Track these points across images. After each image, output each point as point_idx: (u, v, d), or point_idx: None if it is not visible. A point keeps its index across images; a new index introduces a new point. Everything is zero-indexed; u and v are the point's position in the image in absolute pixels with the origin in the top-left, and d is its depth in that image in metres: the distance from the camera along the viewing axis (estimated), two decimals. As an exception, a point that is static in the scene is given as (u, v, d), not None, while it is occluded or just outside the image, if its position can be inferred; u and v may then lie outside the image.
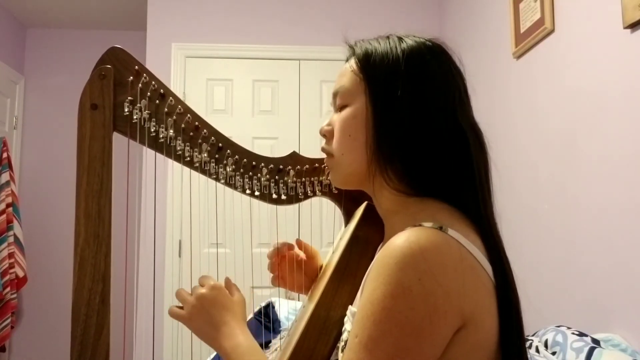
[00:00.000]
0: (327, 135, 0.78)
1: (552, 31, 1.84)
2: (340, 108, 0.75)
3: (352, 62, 0.75)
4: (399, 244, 0.59)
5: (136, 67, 0.81)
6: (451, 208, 0.67)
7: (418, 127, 0.68)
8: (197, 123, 0.84)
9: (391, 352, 0.57)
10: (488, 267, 0.63)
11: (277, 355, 0.82)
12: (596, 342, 1.29)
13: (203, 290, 0.80)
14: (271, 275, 0.97)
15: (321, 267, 0.95)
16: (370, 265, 0.66)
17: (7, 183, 3.16)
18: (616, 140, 1.48)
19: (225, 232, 2.77)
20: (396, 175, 0.69)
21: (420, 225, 0.62)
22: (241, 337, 0.77)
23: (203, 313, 0.79)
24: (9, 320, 3.08)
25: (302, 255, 0.96)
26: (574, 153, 1.69)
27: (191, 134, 0.83)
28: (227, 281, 0.85)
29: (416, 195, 0.70)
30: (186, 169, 0.85)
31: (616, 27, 1.46)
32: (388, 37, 0.74)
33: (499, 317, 0.63)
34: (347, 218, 0.92)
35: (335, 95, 0.76)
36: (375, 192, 0.75)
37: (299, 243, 0.97)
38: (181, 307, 0.81)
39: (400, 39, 0.73)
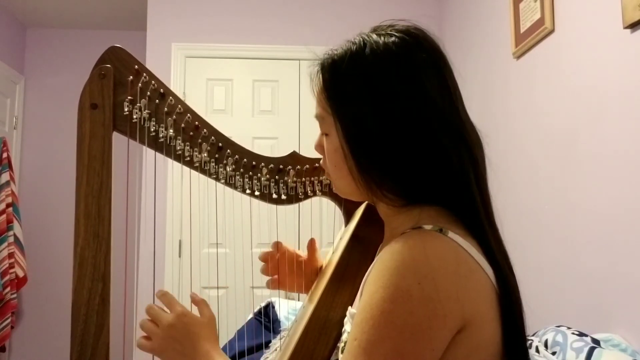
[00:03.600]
0: (321, 153, 0.76)
1: (552, 31, 1.83)
2: (324, 134, 0.73)
3: (320, 92, 0.71)
4: (399, 247, 0.59)
5: (136, 66, 0.81)
6: (449, 213, 0.66)
7: (396, 148, 0.64)
8: (197, 123, 0.84)
9: (390, 356, 0.56)
10: (489, 270, 0.63)
11: (277, 355, 0.82)
12: (596, 342, 1.28)
13: (170, 320, 0.75)
14: (267, 278, 0.96)
15: (321, 267, 0.94)
16: (370, 267, 0.66)
17: (7, 183, 3.16)
18: (616, 140, 1.47)
19: (225, 232, 2.77)
20: (390, 191, 0.67)
21: (420, 227, 0.62)
22: None
23: (175, 344, 0.74)
24: (9, 320, 3.08)
25: (302, 255, 0.96)
26: (574, 153, 1.69)
27: (191, 133, 0.83)
28: (194, 297, 0.81)
29: (414, 203, 0.69)
30: (186, 169, 0.84)
31: (616, 27, 1.46)
32: (351, 50, 0.68)
33: (502, 319, 0.63)
34: (347, 218, 0.92)
35: (316, 118, 0.74)
36: (374, 202, 0.74)
37: (312, 244, 0.96)
38: (148, 338, 0.76)
39: (364, 48, 0.67)
